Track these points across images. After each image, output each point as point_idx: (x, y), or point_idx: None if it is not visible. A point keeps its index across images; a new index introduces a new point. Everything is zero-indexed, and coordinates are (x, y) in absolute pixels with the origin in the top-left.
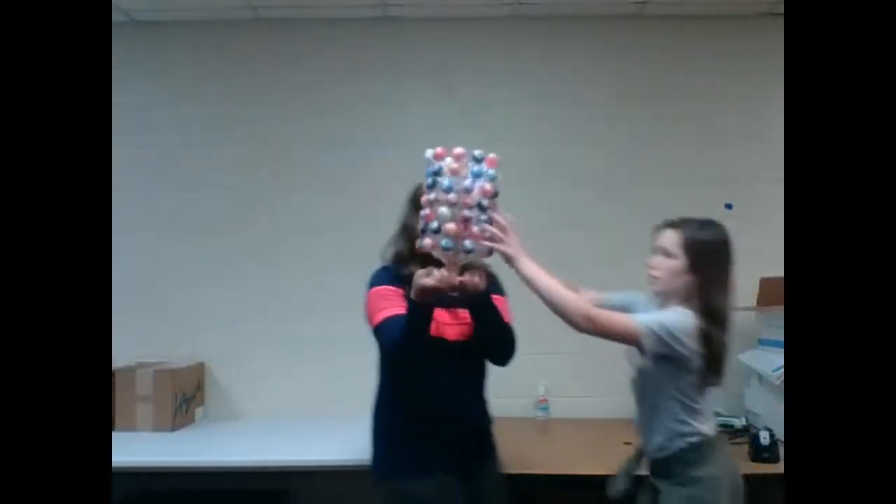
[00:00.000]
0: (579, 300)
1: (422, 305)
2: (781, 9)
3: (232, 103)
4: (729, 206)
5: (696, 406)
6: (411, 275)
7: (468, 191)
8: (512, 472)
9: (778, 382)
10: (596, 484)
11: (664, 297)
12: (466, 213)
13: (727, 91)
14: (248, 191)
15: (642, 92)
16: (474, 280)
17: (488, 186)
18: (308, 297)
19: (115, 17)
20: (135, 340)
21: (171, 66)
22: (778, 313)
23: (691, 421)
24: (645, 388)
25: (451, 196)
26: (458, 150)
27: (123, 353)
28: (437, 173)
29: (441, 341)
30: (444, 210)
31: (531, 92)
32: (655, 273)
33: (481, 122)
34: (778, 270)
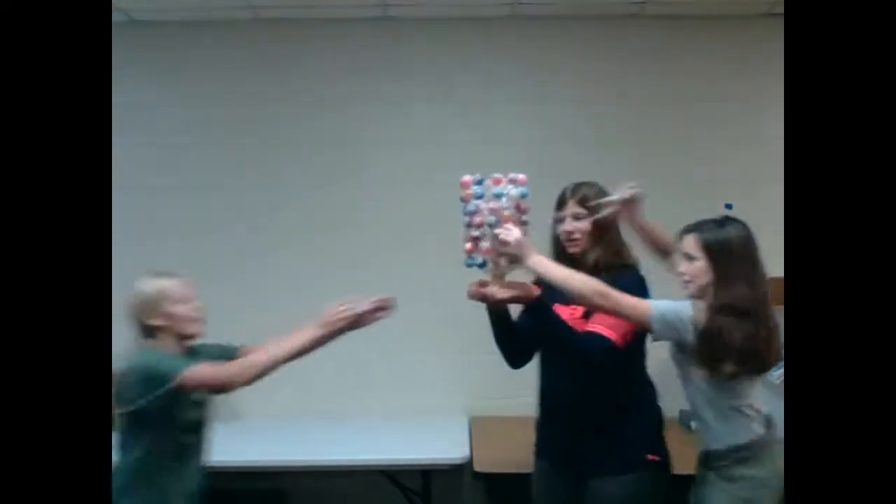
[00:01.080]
0: (591, 280)
1: (491, 311)
2: (781, 9)
3: (232, 103)
4: (729, 206)
5: (735, 404)
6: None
7: (472, 213)
8: (512, 472)
9: (778, 382)
10: None
11: (696, 298)
12: (474, 232)
13: (727, 91)
14: (248, 191)
15: (642, 92)
16: (491, 290)
17: (494, 205)
18: (308, 296)
19: (115, 17)
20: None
21: (171, 66)
22: (778, 313)
23: (733, 421)
24: (684, 384)
25: (465, 219)
26: (464, 177)
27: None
28: (462, 199)
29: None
30: (463, 233)
31: (531, 92)
32: (685, 278)
33: (481, 122)
34: (778, 270)
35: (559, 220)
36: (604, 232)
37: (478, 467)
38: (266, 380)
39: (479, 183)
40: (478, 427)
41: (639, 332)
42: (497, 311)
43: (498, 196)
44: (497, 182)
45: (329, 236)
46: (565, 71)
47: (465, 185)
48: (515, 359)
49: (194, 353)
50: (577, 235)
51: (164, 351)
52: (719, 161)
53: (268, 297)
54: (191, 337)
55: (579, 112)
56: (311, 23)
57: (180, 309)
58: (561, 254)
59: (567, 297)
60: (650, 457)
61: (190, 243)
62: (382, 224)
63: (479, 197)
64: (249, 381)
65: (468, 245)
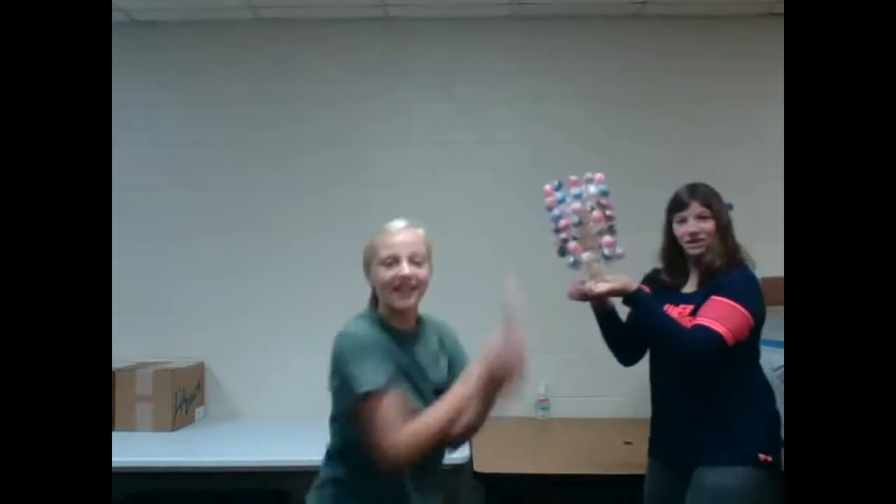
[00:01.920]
0: None
1: (596, 310)
2: (781, 9)
3: (232, 103)
4: (729, 206)
5: None
6: (656, 275)
7: (558, 218)
8: (511, 472)
9: (778, 382)
10: (595, 484)
11: None
12: (562, 235)
13: (727, 91)
14: (248, 190)
15: (642, 92)
16: (588, 285)
17: (577, 206)
18: (308, 296)
19: (115, 17)
20: (135, 340)
21: (171, 66)
22: (778, 313)
23: None
24: None
25: (552, 225)
26: (546, 186)
27: (123, 353)
28: (548, 207)
29: None
30: (555, 239)
31: (531, 92)
32: None
33: (481, 121)
34: (778, 270)
35: (680, 221)
36: (726, 232)
37: (478, 467)
38: (266, 380)
39: (559, 188)
40: None
41: (752, 332)
42: (602, 310)
43: (577, 197)
44: (574, 184)
45: (329, 236)
46: (565, 71)
47: (547, 194)
48: (625, 356)
49: (416, 340)
50: (702, 236)
51: (373, 326)
52: (719, 161)
53: (268, 297)
54: (397, 312)
55: (580, 112)
56: (311, 23)
57: (383, 273)
58: (678, 256)
59: (677, 297)
60: (762, 456)
61: (190, 243)
62: (383, 224)
63: (562, 201)
64: (401, 464)
65: (560, 248)
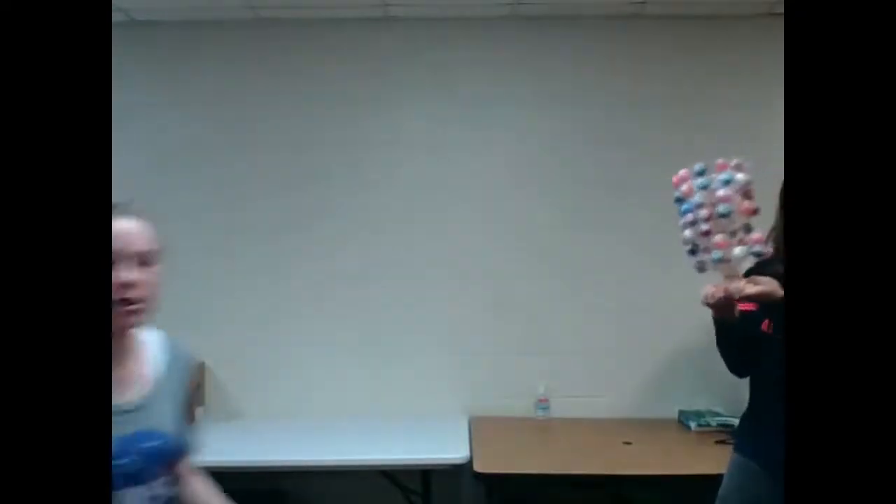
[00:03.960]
0: None
1: (719, 319)
2: (781, 9)
3: (231, 103)
4: None
5: None
6: (771, 262)
7: (697, 207)
8: (512, 472)
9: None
10: (596, 484)
11: None
12: (703, 226)
13: (727, 91)
14: (247, 190)
15: (642, 92)
16: (737, 285)
17: (723, 192)
18: (308, 296)
19: (115, 17)
20: None
21: (171, 66)
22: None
23: None
24: None
25: (687, 217)
26: (680, 172)
27: None
28: (681, 197)
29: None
30: (689, 232)
31: (531, 92)
32: None
33: (481, 121)
34: None
35: None
36: None
37: (478, 467)
38: (266, 380)
39: (702, 173)
40: (478, 427)
41: None
42: (727, 318)
43: (726, 183)
44: (722, 168)
45: (328, 235)
46: (565, 71)
47: (682, 179)
48: (740, 367)
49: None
50: None
51: None
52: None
53: (268, 297)
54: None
55: (580, 111)
56: (311, 23)
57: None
58: None
59: None
60: None
61: (190, 243)
62: (382, 224)
63: (706, 187)
64: None
65: (692, 246)
